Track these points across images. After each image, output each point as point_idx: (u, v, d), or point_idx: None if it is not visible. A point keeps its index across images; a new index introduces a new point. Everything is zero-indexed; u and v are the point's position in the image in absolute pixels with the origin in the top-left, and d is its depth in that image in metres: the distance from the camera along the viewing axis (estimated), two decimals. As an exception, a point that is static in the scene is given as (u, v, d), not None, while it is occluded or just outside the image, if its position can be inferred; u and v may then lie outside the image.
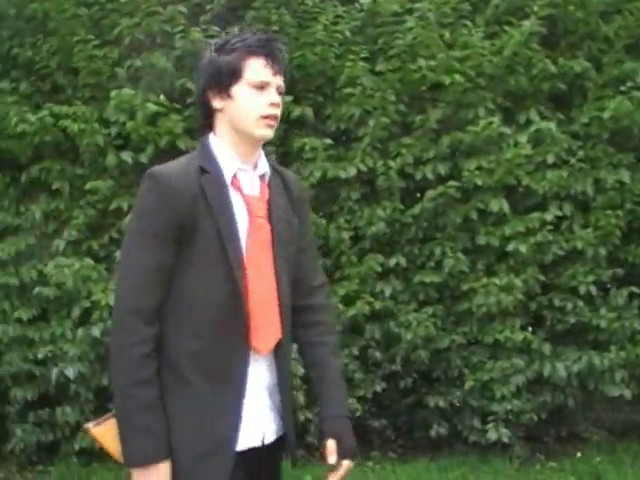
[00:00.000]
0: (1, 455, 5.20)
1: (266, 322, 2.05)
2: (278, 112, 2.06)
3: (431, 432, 5.16)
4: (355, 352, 5.01)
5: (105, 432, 2.00)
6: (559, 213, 4.95)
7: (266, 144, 4.99)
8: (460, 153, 4.99)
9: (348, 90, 4.91)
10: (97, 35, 5.12)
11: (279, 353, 2.09)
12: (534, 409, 5.04)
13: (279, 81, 2.06)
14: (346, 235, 4.96)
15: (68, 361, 4.81)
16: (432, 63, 4.83)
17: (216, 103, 2.06)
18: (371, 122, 4.82)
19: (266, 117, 2.03)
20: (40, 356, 4.89)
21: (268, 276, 2.07)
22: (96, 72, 5.09)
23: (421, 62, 4.85)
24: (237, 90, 2.04)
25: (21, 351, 4.96)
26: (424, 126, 4.95)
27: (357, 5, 5.27)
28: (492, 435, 4.94)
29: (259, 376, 2.06)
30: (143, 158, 4.93)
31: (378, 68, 4.98)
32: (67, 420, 4.93)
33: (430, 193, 4.85)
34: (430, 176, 4.91)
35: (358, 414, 5.05)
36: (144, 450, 1.91)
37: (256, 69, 2.02)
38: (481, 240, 4.94)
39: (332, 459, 2.06)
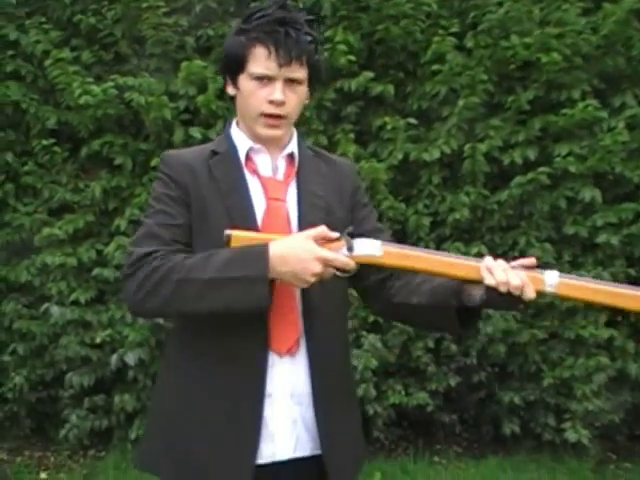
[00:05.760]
0: (54, 440, 5.06)
1: (282, 316, 1.79)
2: (281, 112, 1.79)
3: (505, 429, 4.92)
4: (430, 344, 4.76)
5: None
6: (656, 203, 4.63)
7: (342, 122, 4.79)
8: (549, 137, 4.67)
9: (435, 67, 4.60)
10: (165, 2, 4.80)
11: (312, 356, 1.82)
12: (613, 409, 4.79)
13: (292, 73, 1.78)
14: (426, 221, 4.67)
15: (127, 346, 4.61)
16: (527, 40, 4.49)
17: (229, 89, 1.88)
18: (460, 102, 4.50)
19: (265, 115, 1.80)
20: (98, 340, 4.67)
21: None
22: (164, 41, 4.78)
23: (514, 39, 4.51)
24: (242, 81, 1.82)
25: (78, 334, 4.76)
26: (512, 107, 4.63)
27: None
28: (571, 436, 4.71)
29: (281, 382, 1.80)
30: (212, 134, 4.63)
31: (468, 44, 4.64)
32: (123, 407, 4.73)
33: (519, 179, 4.54)
34: (519, 161, 4.60)
35: (430, 409, 4.82)
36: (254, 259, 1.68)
37: (258, 60, 1.78)
38: (569, 230, 4.65)
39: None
